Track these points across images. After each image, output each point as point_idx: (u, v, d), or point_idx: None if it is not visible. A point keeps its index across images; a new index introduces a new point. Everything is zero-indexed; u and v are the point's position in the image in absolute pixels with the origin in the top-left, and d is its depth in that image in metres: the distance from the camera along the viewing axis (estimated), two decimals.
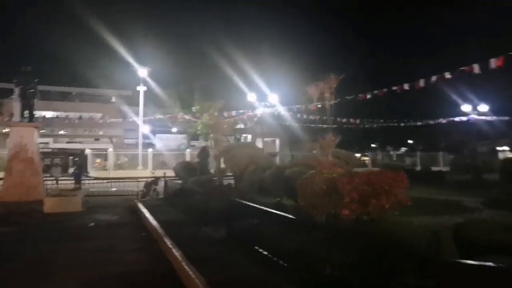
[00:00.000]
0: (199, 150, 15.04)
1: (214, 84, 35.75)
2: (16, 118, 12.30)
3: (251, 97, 29.37)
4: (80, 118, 40.28)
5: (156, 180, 16.06)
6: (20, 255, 7.12)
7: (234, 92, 32.56)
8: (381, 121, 33.98)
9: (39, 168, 12.08)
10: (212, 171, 13.96)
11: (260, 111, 27.93)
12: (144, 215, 10.73)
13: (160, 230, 8.21)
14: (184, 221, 9.25)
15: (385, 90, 15.50)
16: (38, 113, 13.26)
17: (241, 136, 34.68)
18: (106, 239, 8.49)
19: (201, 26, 77.19)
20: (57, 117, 42.31)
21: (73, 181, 18.22)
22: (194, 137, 43.71)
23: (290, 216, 5.42)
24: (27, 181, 11.53)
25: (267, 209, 6.24)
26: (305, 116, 26.92)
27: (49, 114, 42.73)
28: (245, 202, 7.44)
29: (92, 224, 10.22)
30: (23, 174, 11.52)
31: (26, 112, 12.21)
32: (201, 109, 34.70)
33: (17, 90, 12.43)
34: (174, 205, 11.58)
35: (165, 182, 15.13)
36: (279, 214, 5.59)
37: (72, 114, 44.29)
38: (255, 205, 6.59)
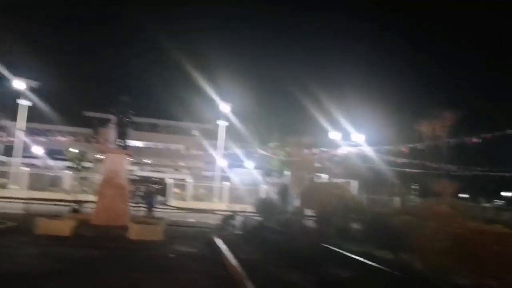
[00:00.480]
0: (278, 187, 14.63)
1: (293, 121, 35.92)
2: (111, 145, 13.05)
3: (335, 135, 28.46)
4: (167, 148, 42.72)
5: (233, 214, 15.86)
6: (102, 280, 7.12)
7: (315, 129, 32.17)
8: (480, 169, 30.65)
9: (127, 194, 12.54)
10: (292, 209, 13.38)
11: (344, 150, 26.84)
12: (223, 251, 10.40)
13: (240, 271, 7.75)
14: (266, 262, 8.70)
15: (497, 134, 13.64)
16: (129, 142, 13.96)
17: (315, 175, 33.68)
18: (186, 273, 8.26)
19: (283, 62, 79.00)
20: (149, 148, 45.28)
21: (147, 209, 18.54)
22: (268, 173, 43.66)
23: (390, 271, 4.63)
24: (116, 207, 11.97)
25: (365, 261, 5.49)
26: (389, 157, 25.33)
27: (137, 143, 45.94)
28: (336, 249, 6.74)
29: (173, 255, 10.13)
30: (113, 199, 11.99)
31: (120, 140, 12.92)
32: (278, 145, 34.74)
33: (113, 119, 13.28)
34: (254, 243, 11.12)
35: (244, 218, 14.83)
36: (383, 268, 4.82)
37: (157, 145, 47.18)
38: (350, 254, 5.88)
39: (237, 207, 23.37)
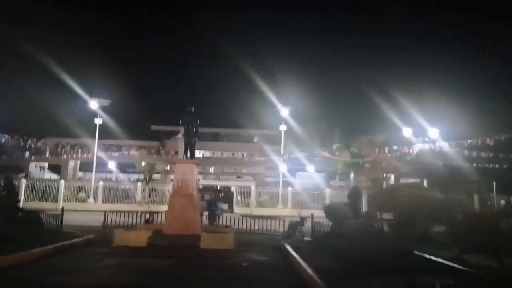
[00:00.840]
0: (348, 190, 13.96)
1: (357, 120, 34.63)
2: (180, 155, 13.35)
3: (406, 132, 26.38)
4: (229, 156, 43.46)
5: (302, 220, 15.44)
6: None
7: (382, 127, 30.46)
8: None
9: (197, 203, 12.70)
10: (364, 212, 12.67)
11: (416, 147, 24.73)
12: (295, 259, 10.05)
13: (318, 280, 7.33)
14: (344, 271, 8.17)
15: None
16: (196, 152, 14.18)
17: (389, 176, 31.63)
18: (262, 283, 8.01)
19: (344, 61, 76.92)
20: (212, 157, 46.47)
21: (212, 217, 18.40)
22: (332, 176, 42.51)
23: None
24: (187, 216, 12.14)
25: (464, 268, 4.83)
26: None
27: (200, 153, 47.29)
28: (424, 254, 6.09)
29: (245, 264, 9.98)
30: (184, 208, 12.18)
31: (188, 150, 13.18)
32: (341, 146, 33.64)
33: (181, 130, 13.58)
34: (326, 250, 10.62)
35: (313, 224, 14.38)
36: (488, 277, 4.17)
37: (219, 153, 48.24)
38: (442, 260, 5.23)
39: (304, 212, 22.84)
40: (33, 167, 45.98)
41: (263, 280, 8.27)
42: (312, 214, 15.37)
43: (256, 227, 18.76)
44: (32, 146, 33.06)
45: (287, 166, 39.28)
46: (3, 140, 29.30)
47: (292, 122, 36.63)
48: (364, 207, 14.67)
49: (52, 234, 12.21)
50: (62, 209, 14.14)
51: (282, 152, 35.64)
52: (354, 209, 12.33)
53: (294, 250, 11.10)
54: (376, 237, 8.97)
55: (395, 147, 24.86)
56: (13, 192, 13.48)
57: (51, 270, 8.39)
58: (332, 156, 33.57)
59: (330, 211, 13.16)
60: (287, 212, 29.65)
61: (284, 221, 16.23)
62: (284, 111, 35.18)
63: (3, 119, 36.76)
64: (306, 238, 14.01)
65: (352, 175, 38.12)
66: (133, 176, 42.62)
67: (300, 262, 9.35)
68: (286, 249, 11.81)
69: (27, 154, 44.05)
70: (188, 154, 13.14)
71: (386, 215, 11.78)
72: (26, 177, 38.01)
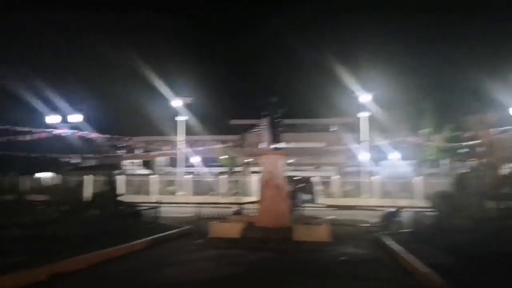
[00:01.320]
0: (454, 177, 12.53)
1: (450, 103, 31.26)
2: (266, 147, 13.10)
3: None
4: (308, 147, 42.81)
5: (398, 210, 14.37)
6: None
7: (480, 108, 27.07)
8: None
9: (286, 194, 12.39)
10: (476, 202, 11.23)
11: None
12: (400, 254, 9.19)
13: (440, 280, 6.45)
14: (470, 269, 7.11)
15: None
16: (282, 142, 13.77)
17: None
18: (371, 280, 7.38)
19: (433, 37, 70.05)
20: (290, 148, 46.16)
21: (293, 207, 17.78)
22: (420, 163, 39.48)
23: None
24: (277, 207, 11.89)
25: None
26: None
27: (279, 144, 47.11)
28: None
29: (344, 258, 9.40)
30: (274, 200, 11.94)
31: (274, 141, 12.87)
32: (433, 131, 30.89)
33: (264, 121, 13.31)
34: (436, 244, 9.52)
35: (412, 214, 13.23)
36: None
37: (297, 144, 47.65)
38: None
39: (399, 202, 21.36)
40: (127, 163, 49.93)
41: (370, 277, 7.63)
42: (409, 204, 14.23)
43: (344, 218, 18.00)
44: (126, 144, 35.82)
45: (370, 155, 37.40)
46: (101, 139, 32.14)
47: (375, 108, 34.58)
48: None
49: (151, 226, 12.81)
50: (158, 202, 14.78)
51: (364, 139, 33.92)
52: (464, 199, 10.98)
53: (397, 243, 10.21)
54: (503, 231, 7.77)
55: (506, 128, 21.50)
56: (114, 188, 14.37)
57: (153, 262, 8.64)
58: (422, 142, 30.98)
59: (434, 200, 11.91)
60: (373, 202, 28.30)
61: (373, 211, 15.32)
62: (366, 97, 33.33)
63: (101, 120, 40.34)
64: (405, 230, 12.94)
65: (445, 161, 34.96)
66: (215, 170, 44.06)
67: (408, 257, 8.48)
68: (385, 242, 10.96)
69: (121, 151, 47.99)
70: (274, 145, 12.83)
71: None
72: (121, 173, 41.39)
